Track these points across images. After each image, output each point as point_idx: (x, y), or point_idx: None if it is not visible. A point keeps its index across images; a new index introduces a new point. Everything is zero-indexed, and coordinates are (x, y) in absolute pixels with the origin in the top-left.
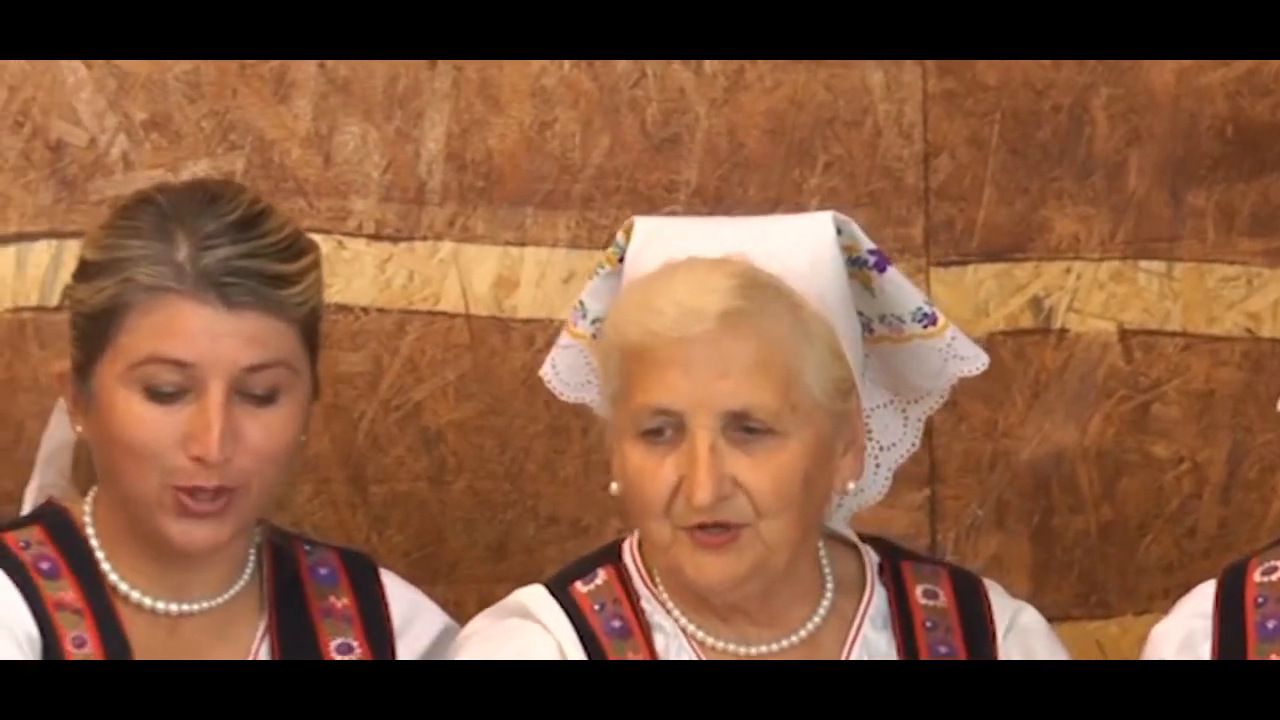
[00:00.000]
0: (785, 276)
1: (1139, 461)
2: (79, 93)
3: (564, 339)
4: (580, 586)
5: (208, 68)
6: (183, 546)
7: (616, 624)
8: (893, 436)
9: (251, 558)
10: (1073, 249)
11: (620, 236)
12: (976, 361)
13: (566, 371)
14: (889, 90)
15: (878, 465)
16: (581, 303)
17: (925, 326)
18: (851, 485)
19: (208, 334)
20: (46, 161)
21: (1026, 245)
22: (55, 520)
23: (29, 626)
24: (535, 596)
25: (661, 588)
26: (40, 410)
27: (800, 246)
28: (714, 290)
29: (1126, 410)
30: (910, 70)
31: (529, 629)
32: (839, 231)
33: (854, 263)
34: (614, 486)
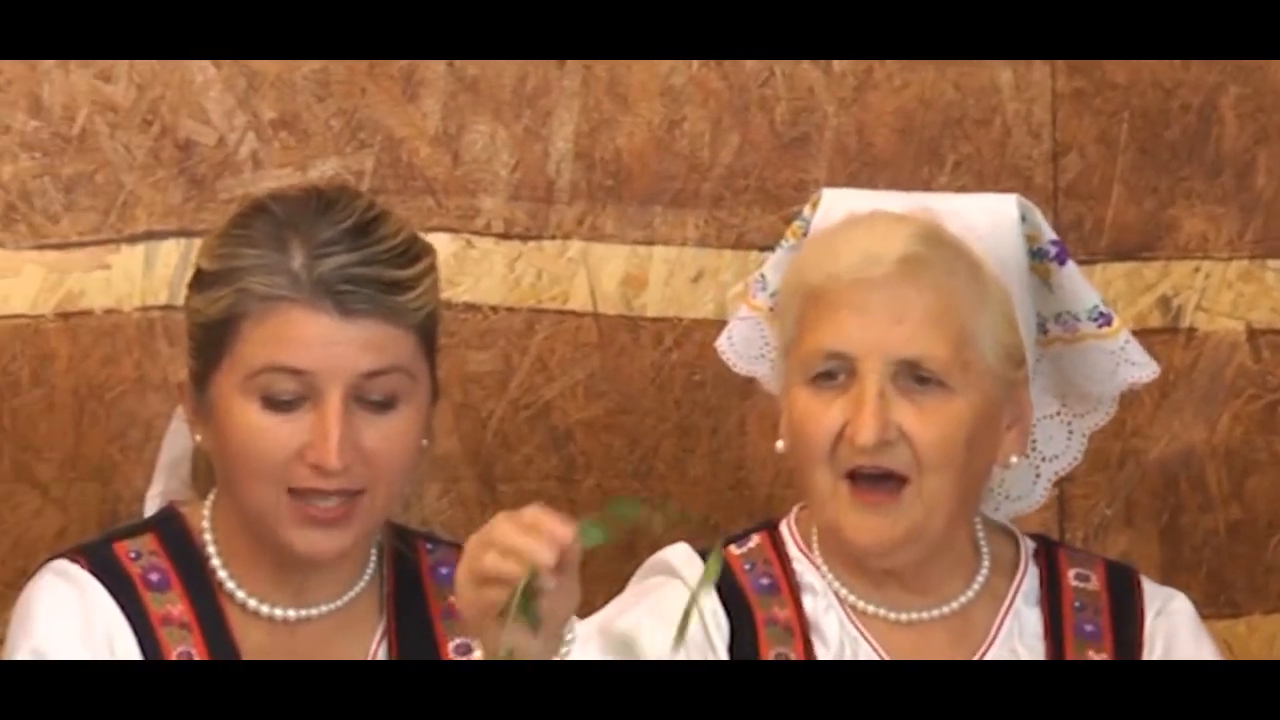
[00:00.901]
0: (966, 238)
1: (1267, 460)
2: (208, 92)
3: (742, 310)
4: (734, 549)
5: (337, 67)
6: (307, 556)
7: (765, 581)
8: (1056, 448)
9: (373, 558)
10: (1201, 248)
11: (806, 210)
12: (1148, 369)
13: (742, 344)
14: (1018, 89)
15: (1038, 475)
16: (762, 275)
17: (1100, 326)
18: (1014, 460)
19: (324, 342)
20: (175, 160)
21: (1155, 244)
22: (171, 528)
23: (130, 645)
24: (679, 553)
25: (817, 551)
26: (169, 410)
27: (984, 215)
28: (895, 237)
29: (1255, 409)
30: (1039, 69)
31: (669, 586)
32: (1023, 218)
33: (1035, 254)
34: (779, 444)
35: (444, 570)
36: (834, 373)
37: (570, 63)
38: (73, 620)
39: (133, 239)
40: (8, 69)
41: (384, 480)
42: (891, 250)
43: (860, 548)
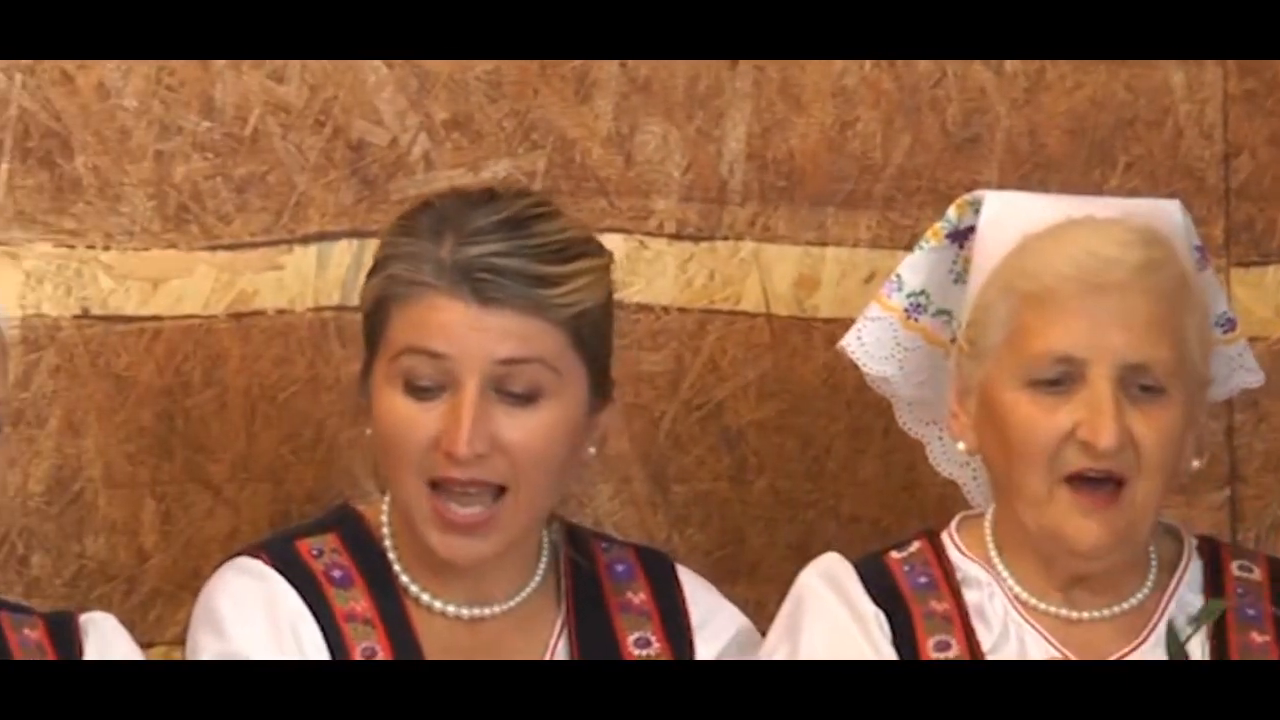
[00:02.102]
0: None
1: None
2: (380, 92)
3: (874, 310)
4: (894, 554)
5: (509, 67)
6: (446, 560)
7: (923, 580)
8: None
9: (545, 555)
10: None
11: (951, 212)
12: (1257, 376)
13: (873, 344)
14: (1190, 90)
15: None
16: (898, 276)
17: (1225, 332)
18: (1195, 464)
19: (461, 327)
20: (348, 161)
21: None
22: (351, 526)
23: (316, 640)
24: (834, 564)
25: (994, 552)
26: (342, 409)
27: (1165, 219)
28: (1129, 242)
29: None
30: (1211, 70)
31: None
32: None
33: None
34: (961, 445)
35: (620, 568)
36: (1059, 378)
37: (743, 63)
38: (260, 616)
39: (305, 240)
40: (180, 70)
41: (526, 478)
42: (1129, 255)
43: (1082, 550)
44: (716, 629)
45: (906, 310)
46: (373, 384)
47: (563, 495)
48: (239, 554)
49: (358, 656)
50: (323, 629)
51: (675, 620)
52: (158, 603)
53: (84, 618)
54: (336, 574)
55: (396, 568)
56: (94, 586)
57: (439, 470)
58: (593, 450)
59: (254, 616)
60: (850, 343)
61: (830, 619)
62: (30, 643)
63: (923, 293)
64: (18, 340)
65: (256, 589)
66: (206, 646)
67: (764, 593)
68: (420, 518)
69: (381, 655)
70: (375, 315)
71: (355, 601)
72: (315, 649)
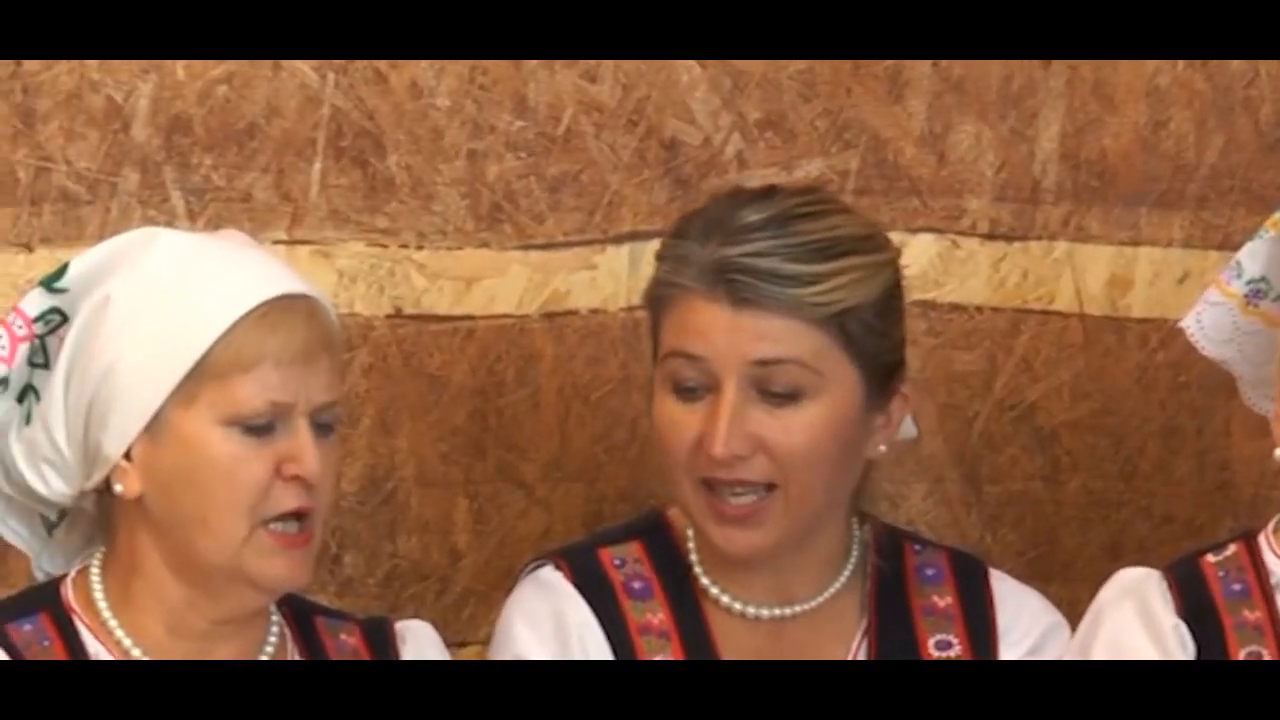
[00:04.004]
0: None
1: None
2: (694, 91)
3: (1213, 295)
4: (1210, 557)
5: (822, 67)
6: (726, 553)
7: (1236, 587)
8: None
9: (854, 556)
10: None
11: None
12: None
13: (1212, 328)
14: None
15: None
16: (1238, 262)
17: None
18: None
19: (718, 329)
20: (661, 160)
21: None
22: (656, 535)
23: (604, 653)
24: (1142, 578)
25: None
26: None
27: None
28: None
29: None
30: None
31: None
32: None
33: None
34: (1278, 453)
35: (929, 571)
36: None
37: (1055, 63)
38: (548, 632)
39: (618, 239)
40: (493, 69)
41: (793, 476)
42: None
43: None
44: (1024, 630)
45: (1246, 296)
46: (653, 386)
47: (874, 495)
48: (544, 560)
49: None
50: (613, 641)
51: (980, 623)
52: (470, 602)
53: (400, 625)
54: (636, 585)
55: (698, 570)
56: (406, 586)
57: (704, 470)
58: (883, 448)
59: (544, 632)
60: (1190, 324)
61: (1120, 632)
62: (346, 648)
63: (1263, 279)
64: None
65: (547, 603)
66: (496, 650)
67: (1076, 592)
68: (698, 514)
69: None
70: (651, 318)
71: (652, 614)
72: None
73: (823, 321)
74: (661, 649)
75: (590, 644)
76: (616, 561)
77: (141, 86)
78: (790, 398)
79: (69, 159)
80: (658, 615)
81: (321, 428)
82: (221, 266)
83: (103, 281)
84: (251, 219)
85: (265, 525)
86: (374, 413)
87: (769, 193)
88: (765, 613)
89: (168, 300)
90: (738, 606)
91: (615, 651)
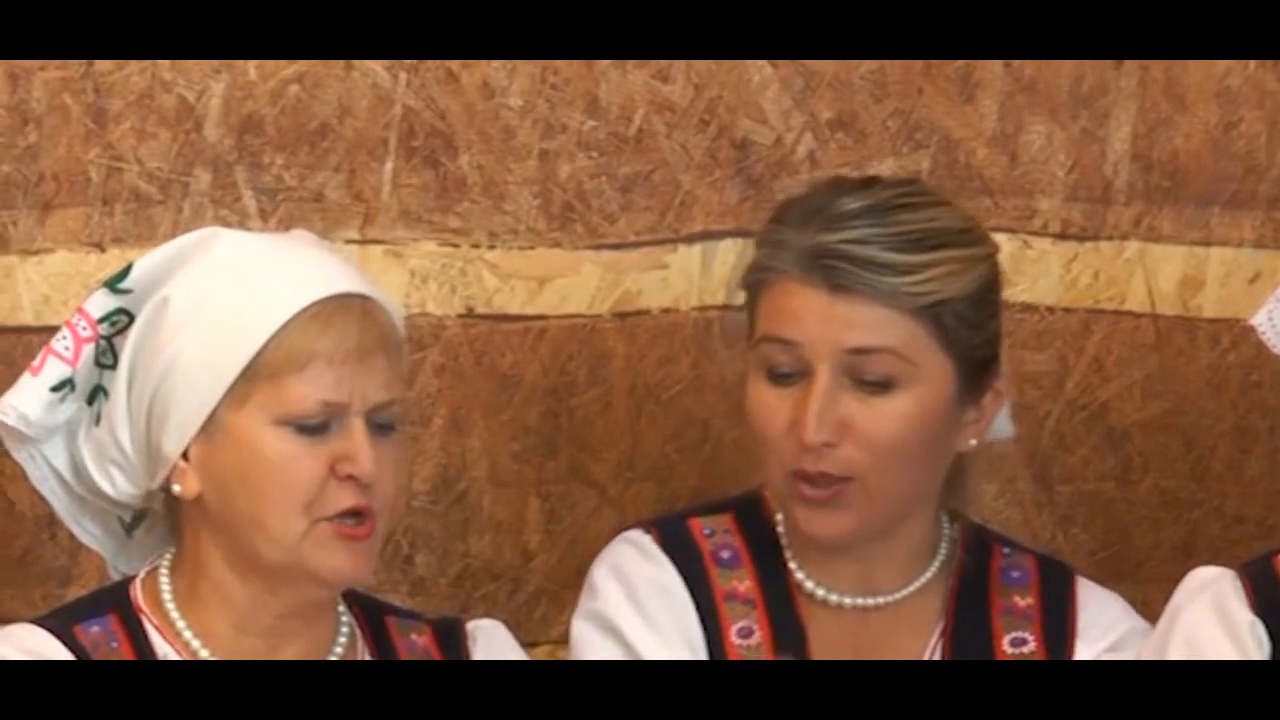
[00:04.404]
0: None
1: None
2: (765, 91)
3: None
4: None
5: (893, 67)
6: (810, 536)
7: None
8: None
9: (941, 553)
10: None
11: None
12: None
13: None
14: None
15: None
16: None
17: None
18: None
19: (813, 315)
20: (732, 160)
21: None
22: (749, 508)
23: (689, 616)
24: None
25: None
26: (726, 409)
27: None
28: None
29: None
30: None
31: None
32: None
33: None
34: None
35: (1015, 574)
36: None
37: (1127, 63)
38: (635, 588)
39: (689, 239)
40: (565, 69)
41: (878, 465)
42: None
43: None
44: (1103, 629)
45: None
46: (748, 371)
47: (968, 494)
48: (633, 527)
49: (733, 636)
50: (699, 605)
51: (1058, 622)
52: (542, 602)
53: (471, 624)
54: (725, 554)
55: (788, 557)
56: (478, 586)
57: (793, 459)
58: (974, 442)
59: (629, 585)
60: (1260, 321)
61: (1197, 630)
62: (417, 648)
63: None
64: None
65: (634, 558)
66: (581, 605)
67: (1149, 592)
68: (786, 498)
69: (759, 634)
70: (746, 303)
71: (739, 582)
72: (687, 627)
73: (917, 312)
74: (745, 615)
75: (677, 605)
76: (706, 531)
77: (213, 86)
78: (882, 386)
79: (141, 159)
80: (744, 583)
81: (380, 427)
82: (277, 266)
83: (164, 282)
84: (323, 219)
85: (324, 520)
86: (446, 413)
87: (869, 182)
88: (848, 601)
89: (222, 300)
90: (820, 593)
91: (701, 616)
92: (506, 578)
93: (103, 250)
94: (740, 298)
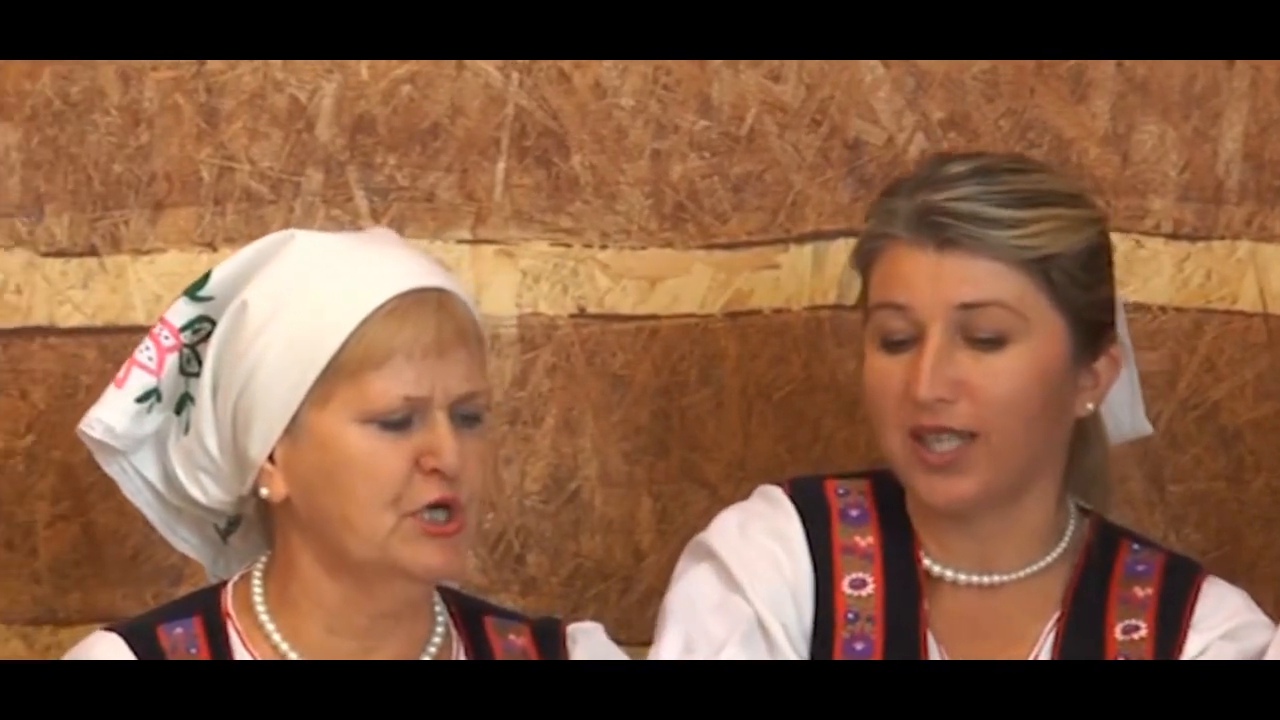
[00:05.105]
0: None
1: None
2: (877, 91)
3: None
4: None
5: (1005, 67)
6: (931, 503)
7: None
8: None
9: (1065, 541)
10: None
11: None
12: None
13: None
14: None
15: None
16: None
17: None
18: None
19: (922, 276)
20: (844, 160)
21: None
22: (884, 477)
23: (803, 562)
24: None
25: None
26: (837, 409)
27: None
28: None
29: None
30: None
31: None
32: None
33: None
34: None
35: (1140, 568)
36: None
37: (1239, 63)
38: (754, 530)
39: (801, 239)
40: (677, 69)
41: (996, 423)
42: None
43: None
44: (1219, 619)
45: None
46: (865, 347)
47: (1096, 487)
48: (772, 483)
49: (844, 586)
50: (815, 558)
51: (1174, 612)
52: (653, 601)
53: (572, 626)
54: (853, 513)
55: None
56: (590, 585)
57: (910, 419)
58: (1090, 406)
59: (747, 530)
60: None
61: None
62: (515, 648)
63: None
64: (515, 339)
65: (762, 506)
66: (695, 539)
67: (1260, 593)
68: (905, 466)
69: (871, 585)
70: (861, 278)
71: (860, 537)
72: (794, 569)
73: (1026, 264)
74: (861, 568)
75: (791, 549)
76: (840, 490)
77: (325, 86)
78: (995, 342)
79: (252, 158)
80: (866, 539)
81: (464, 419)
82: (352, 265)
83: (243, 287)
84: (435, 219)
85: (412, 515)
86: (557, 412)
87: (978, 153)
88: (962, 578)
89: (299, 302)
90: (937, 569)
91: (815, 567)
92: (618, 577)
93: (214, 250)
94: (854, 291)
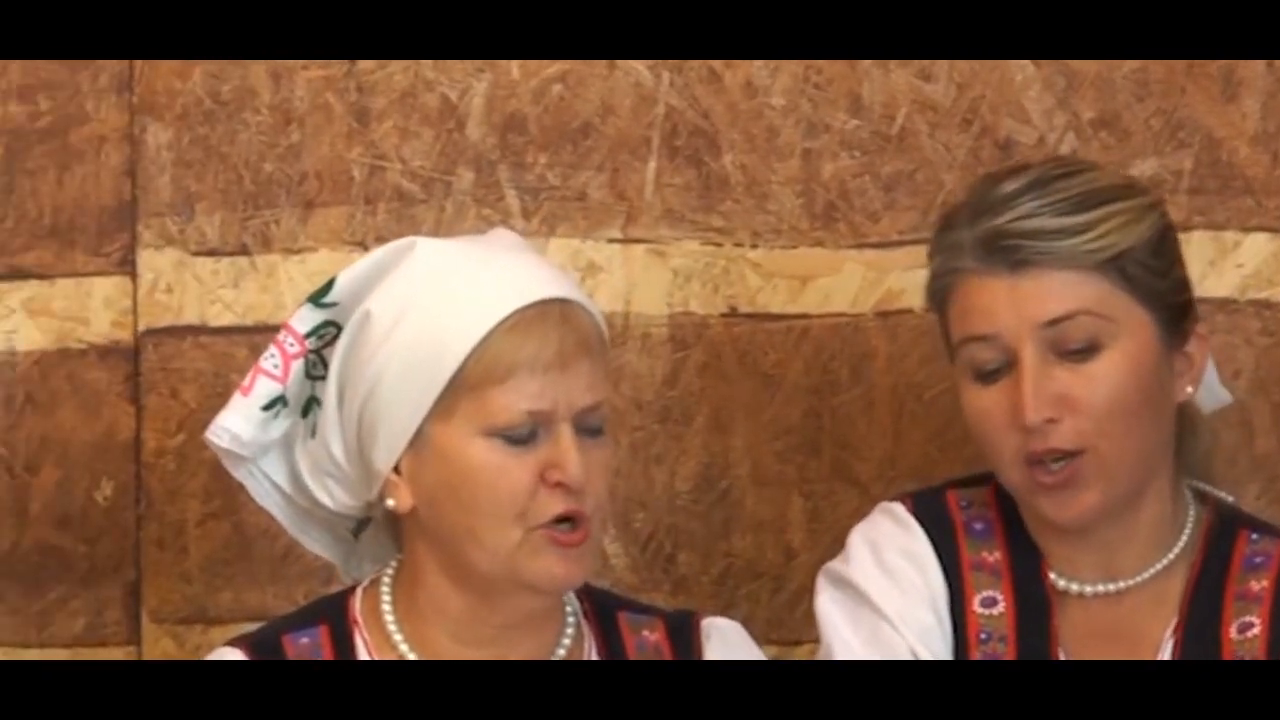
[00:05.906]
0: None
1: None
2: (1028, 91)
3: None
4: None
5: (1156, 66)
6: (1059, 522)
7: None
8: None
9: (1186, 536)
10: None
11: None
12: None
13: None
14: None
15: None
16: None
17: None
18: None
19: (1001, 302)
20: (995, 160)
21: None
22: (1004, 488)
23: (937, 583)
24: None
25: None
26: None
27: None
28: None
29: None
30: None
31: None
32: None
33: None
34: None
35: (1258, 559)
36: None
37: None
38: (882, 552)
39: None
40: (828, 68)
41: (1105, 431)
42: None
43: None
44: None
45: None
46: (958, 385)
47: (1204, 466)
48: (894, 498)
49: (975, 605)
50: (947, 576)
51: None
52: (804, 600)
53: (706, 622)
54: (978, 526)
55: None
56: (740, 584)
57: (1023, 446)
58: (1190, 390)
59: (877, 550)
60: None
61: None
62: (648, 645)
63: None
64: (665, 338)
65: (888, 526)
66: (831, 567)
67: None
68: (1026, 493)
69: (1002, 604)
70: (938, 318)
71: (988, 553)
72: (932, 590)
73: (1101, 267)
74: (990, 585)
75: (926, 571)
76: (963, 503)
77: (476, 85)
78: (1088, 351)
79: (403, 158)
80: (994, 555)
81: (588, 430)
82: (474, 277)
83: (366, 295)
84: (586, 218)
85: (538, 528)
86: (708, 411)
87: (1021, 166)
88: (1089, 590)
89: (421, 315)
90: (1061, 584)
91: (948, 582)
92: (769, 576)
93: (365, 249)
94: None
